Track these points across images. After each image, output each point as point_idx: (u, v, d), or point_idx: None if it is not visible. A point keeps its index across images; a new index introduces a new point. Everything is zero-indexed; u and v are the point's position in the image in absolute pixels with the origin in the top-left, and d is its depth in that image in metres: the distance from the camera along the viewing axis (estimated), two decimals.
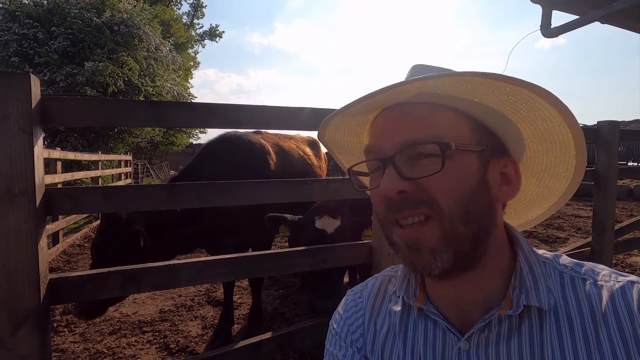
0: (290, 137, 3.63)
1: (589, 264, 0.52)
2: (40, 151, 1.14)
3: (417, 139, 0.47)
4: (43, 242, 1.17)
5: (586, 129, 2.76)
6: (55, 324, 2.95)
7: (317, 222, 2.00)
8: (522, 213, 0.64)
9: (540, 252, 0.55)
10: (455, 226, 0.46)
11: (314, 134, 4.11)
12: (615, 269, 0.51)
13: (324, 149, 4.20)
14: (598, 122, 2.61)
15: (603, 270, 0.50)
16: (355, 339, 0.60)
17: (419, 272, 0.49)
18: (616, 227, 2.81)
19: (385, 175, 0.47)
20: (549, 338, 0.47)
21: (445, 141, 0.46)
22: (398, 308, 0.58)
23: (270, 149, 2.96)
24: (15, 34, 11.77)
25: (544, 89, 0.46)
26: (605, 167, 2.56)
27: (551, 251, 0.56)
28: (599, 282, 0.49)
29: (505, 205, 0.55)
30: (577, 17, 3.98)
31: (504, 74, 0.45)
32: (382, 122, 0.51)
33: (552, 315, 0.48)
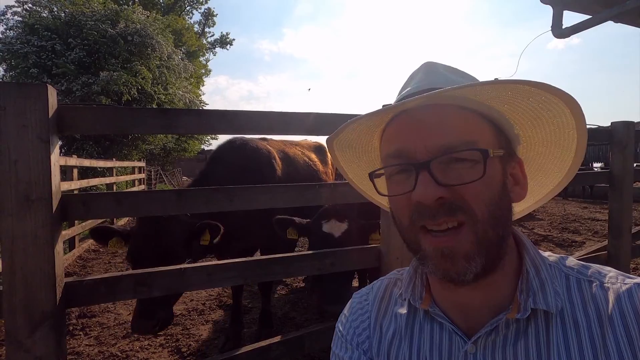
0: (296, 144, 3.64)
1: (595, 266, 0.51)
2: (56, 159, 1.19)
3: (453, 145, 0.45)
4: (59, 246, 1.21)
5: (600, 130, 2.70)
6: (71, 328, 3.01)
7: (324, 226, 2.01)
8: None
9: (546, 254, 0.54)
10: (487, 231, 0.46)
11: (319, 139, 4.11)
12: (634, 274, 0.50)
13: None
14: (612, 122, 2.56)
15: (610, 272, 0.50)
16: (361, 341, 0.60)
17: (451, 279, 0.47)
18: (633, 230, 2.73)
19: (420, 181, 0.45)
20: (555, 341, 0.46)
21: (484, 148, 0.46)
22: (404, 311, 0.58)
23: (276, 154, 2.99)
24: (35, 46, 12.21)
25: (575, 100, 0.46)
26: (621, 169, 2.50)
27: (567, 255, 0.55)
28: (606, 284, 0.48)
29: None
30: (589, 16, 3.92)
31: (530, 79, 0.45)
32: (409, 124, 0.49)
33: (558, 318, 0.47)
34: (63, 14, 13.38)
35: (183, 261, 1.99)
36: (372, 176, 0.55)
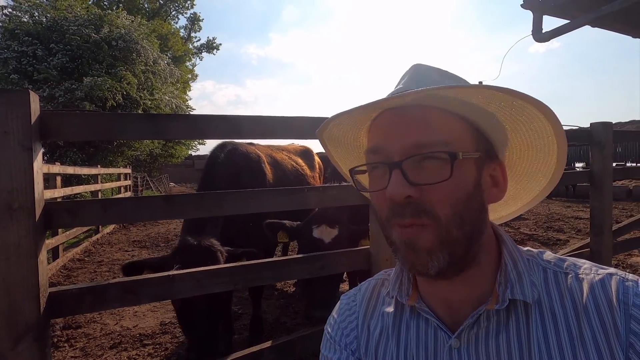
0: (282, 148, 3.63)
1: (571, 259, 0.54)
2: (39, 166, 1.16)
3: (424, 142, 0.47)
4: (43, 256, 1.18)
5: (580, 130, 2.79)
6: (55, 339, 2.93)
7: (314, 231, 2.01)
8: (496, 211, 0.67)
9: (525, 249, 0.56)
10: (450, 231, 0.47)
11: (308, 143, 4.12)
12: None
13: (318, 159, 4.19)
14: (591, 123, 2.64)
15: (584, 264, 0.52)
16: (349, 342, 0.61)
17: (417, 272, 0.50)
18: (614, 228, 2.82)
19: (392, 179, 0.47)
20: (535, 333, 0.48)
21: (453, 150, 0.47)
22: (391, 309, 0.59)
23: (265, 159, 2.99)
24: (15, 51, 11.91)
25: (546, 106, 0.49)
26: (600, 168, 2.58)
27: (544, 250, 0.57)
28: (580, 276, 0.50)
29: None
30: (568, 21, 4.05)
31: (498, 81, 0.47)
32: (388, 123, 0.51)
33: (537, 310, 0.49)
34: (45, 19, 13.10)
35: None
36: (353, 172, 0.57)
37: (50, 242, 4.78)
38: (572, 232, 6.39)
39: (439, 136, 0.48)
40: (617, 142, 2.70)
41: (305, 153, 3.91)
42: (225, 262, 1.82)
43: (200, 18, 30.38)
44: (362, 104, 0.50)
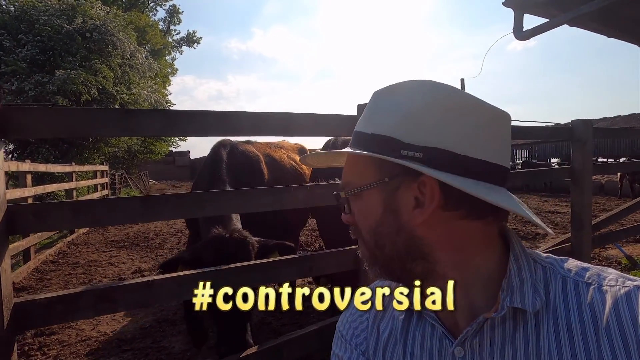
0: (281, 146, 3.54)
1: (595, 268, 0.49)
2: (1, 165, 1.06)
3: (345, 182, 0.57)
4: (6, 263, 1.08)
5: (561, 127, 2.84)
6: (26, 347, 2.77)
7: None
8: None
9: (544, 255, 0.53)
10: (373, 250, 0.54)
11: (287, 139, 4.04)
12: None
13: None
14: (572, 120, 2.69)
15: (610, 274, 0.48)
16: (359, 342, 0.60)
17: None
18: (593, 222, 2.89)
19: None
20: (547, 346, 0.45)
21: (346, 189, 0.55)
22: (402, 312, 0.58)
23: (262, 159, 2.92)
24: None
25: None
26: (581, 165, 2.63)
27: (531, 248, 0.55)
28: (604, 287, 0.46)
29: None
30: (547, 20, 4.14)
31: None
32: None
33: (551, 323, 0.46)
34: (12, 8, 12.40)
35: None
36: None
37: (20, 244, 4.54)
38: (550, 225, 6.59)
39: (346, 178, 0.56)
40: (594, 138, 2.76)
41: (302, 152, 3.85)
42: (257, 256, 1.73)
43: (180, 10, 29.62)
44: (315, 153, 0.64)
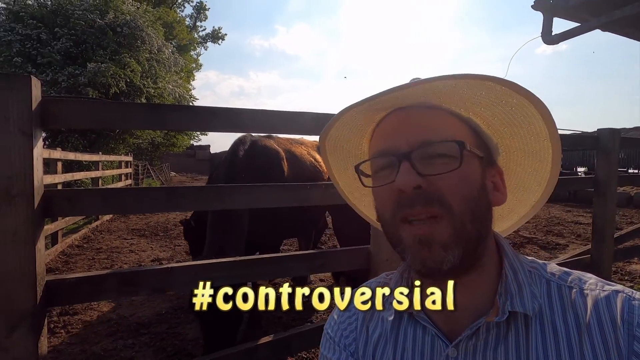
0: (301, 143, 3.57)
1: (576, 273, 0.52)
2: (39, 153, 1.15)
3: (432, 140, 0.48)
4: (40, 243, 1.17)
5: (586, 136, 2.76)
6: (52, 325, 2.94)
7: None
8: (494, 226, 0.66)
9: (529, 259, 0.55)
10: (465, 224, 0.47)
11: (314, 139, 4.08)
12: (614, 277, 0.51)
13: None
14: (598, 129, 2.61)
15: (590, 279, 0.51)
16: (348, 343, 0.60)
17: (427, 269, 0.48)
18: (616, 235, 2.80)
19: (401, 171, 0.47)
20: (535, 347, 0.47)
21: (462, 140, 0.48)
22: (391, 314, 0.58)
23: (283, 155, 2.95)
24: (19, 34, 11.81)
25: (544, 104, 0.48)
26: (605, 175, 2.56)
27: (550, 258, 0.56)
28: (585, 291, 0.49)
29: None
30: (578, 24, 4.00)
31: (514, 81, 0.47)
32: (394, 124, 0.52)
33: (537, 324, 0.48)
34: (50, 2, 12.98)
35: None
36: (359, 171, 0.56)
37: (49, 228, 4.78)
38: (571, 236, 6.38)
39: (444, 133, 0.49)
40: (623, 148, 2.67)
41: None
42: None
43: (207, 7, 30.17)
44: (370, 95, 0.50)
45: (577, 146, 2.87)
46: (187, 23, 27.93)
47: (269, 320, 3.11)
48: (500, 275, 0.52)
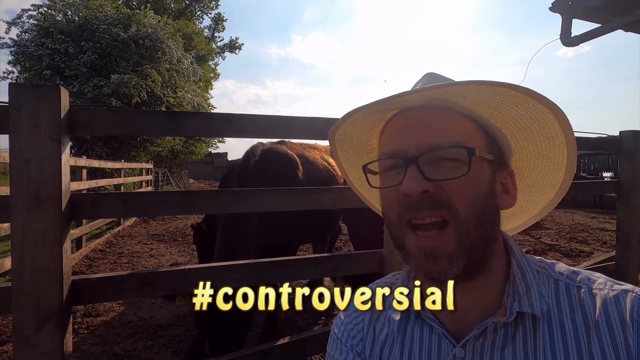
0: (314, 147, 3.59)
1: (585, 272, 0.52)
2: (67, 158, 1.22)
3: (441, 144, 0.47)
4: (67, 244, 1.23)
5: (608, 139, 2.67)
6: (76, 326, 3.04)
7: None
8: (504, 224, 0.65)
9: (537, 259, 0.55)
10: (469, 230, 0.47)
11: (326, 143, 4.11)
12: None
13: None
14: (620, 132, 2.53)
15: (599, 278, 0.50)
16: (355, 343, 0.61)
17: (432, 278, 0.49)
18: None
19: (407, 174, 0.47)
20: (542, 347, 0.47)
21: (471, 146, 0.47)
22: (397, 314, 0.58)
23: (298, 161, 2.99)
24: (48, 48, 12.45)
25: (560, 109, 0.48)
26: (629, 179, 2.47)
27: (573, 266, 0.56)
28: (594, 290, 0.48)
29: None
30: (599, 25, 3.90)
31: (523, 85, 0.47)
32: (403, 124, 0.52)
33: (545, 324, 0.48)
34: (77, 18, 13.64)
35: None
36: (366, 170, 0.56)
37: (74, 233, 4.98)
38: (596, 244, 6.13)
39: (454, 137, 0.48)
40: None
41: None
42: None
43: (224, 18, 30.93)
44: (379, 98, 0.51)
45: (598, 149, 2.78)
46: (205, 34, 28.72)
47: (284, 323, 3.13)
48: (508, 275, 0.52)
